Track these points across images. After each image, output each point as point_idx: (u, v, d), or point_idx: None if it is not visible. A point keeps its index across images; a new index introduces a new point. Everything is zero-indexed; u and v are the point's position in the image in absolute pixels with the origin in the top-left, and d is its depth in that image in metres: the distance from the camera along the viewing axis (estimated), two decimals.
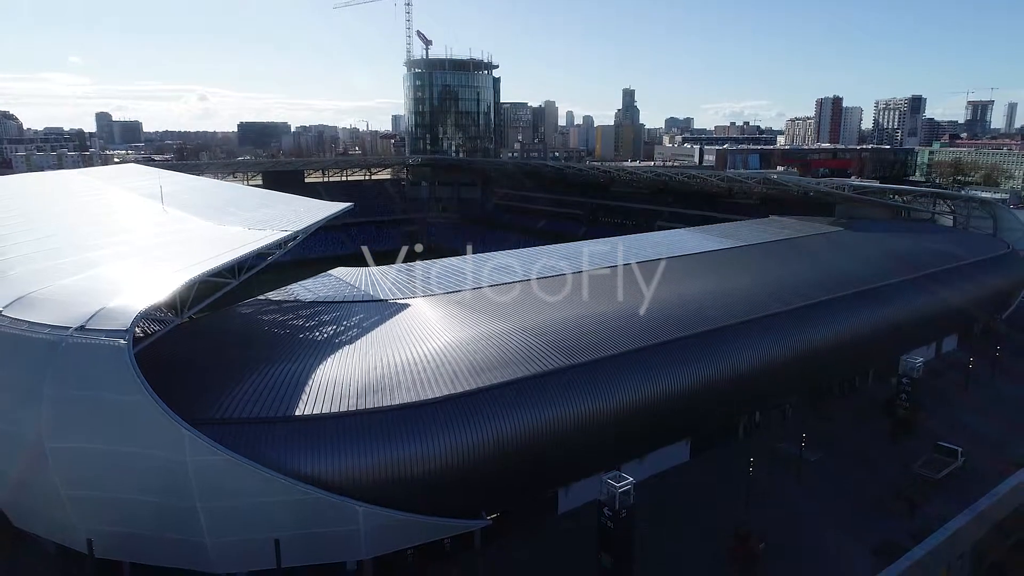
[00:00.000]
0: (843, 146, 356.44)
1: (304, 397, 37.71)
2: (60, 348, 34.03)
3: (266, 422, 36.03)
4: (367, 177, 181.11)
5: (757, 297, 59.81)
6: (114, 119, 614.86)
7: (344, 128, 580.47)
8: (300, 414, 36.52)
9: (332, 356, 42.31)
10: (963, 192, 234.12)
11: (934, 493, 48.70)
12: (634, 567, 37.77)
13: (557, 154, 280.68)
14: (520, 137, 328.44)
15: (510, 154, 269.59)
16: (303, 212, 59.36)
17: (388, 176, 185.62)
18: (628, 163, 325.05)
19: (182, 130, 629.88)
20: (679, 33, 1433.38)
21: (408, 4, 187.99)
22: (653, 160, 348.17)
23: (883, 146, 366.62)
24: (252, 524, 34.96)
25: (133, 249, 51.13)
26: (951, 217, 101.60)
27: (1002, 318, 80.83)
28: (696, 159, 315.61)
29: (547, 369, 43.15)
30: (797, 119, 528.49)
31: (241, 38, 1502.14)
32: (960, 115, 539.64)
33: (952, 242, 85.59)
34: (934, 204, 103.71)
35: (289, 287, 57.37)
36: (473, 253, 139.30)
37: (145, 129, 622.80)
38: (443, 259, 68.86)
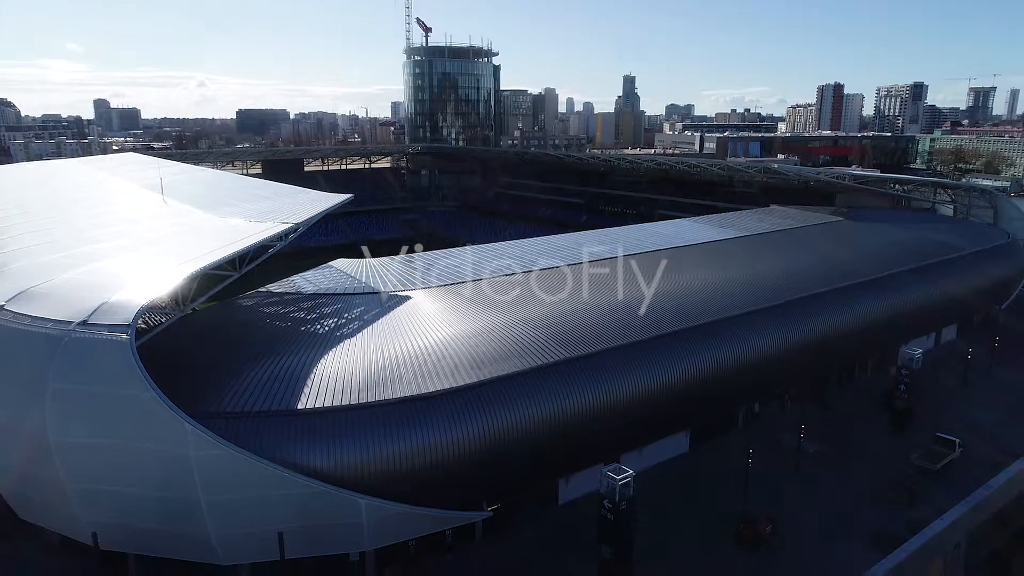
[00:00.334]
0: (844, 133, 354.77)
1: (306, 391, 37.92)
2: (63, 343, 34.21)
3: (269, 415, 36.28)
4: (367, 166, 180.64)
5: (757, 288, 59.90)
6: (112, 106, 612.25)
7: (343, 115, 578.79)
8: (303, 408, 36.75)
9: (334, 349, 42.47)
10: (964, 180, 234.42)
11: (932, 484, 49.02)
12: (634, 558, 38.14)
13: (557, 141, 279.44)
14: (520, 124, 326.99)
15: (510, 142, 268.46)
16: (304, 204, 59.31)
17: (388, 165, 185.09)
18: (628, 151, 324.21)
19: (180, 117, 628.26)
20: (680, 19, 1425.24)
21: None
22: (653, 147, 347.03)
23: (884, 134, 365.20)
24: (255, 517, 35.27)
25: (134, 242, 51.17)
26: (951, 206, 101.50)
27: (1001, 308, 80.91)
28: (696, 146, 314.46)
29: (548, 362, 43.32)
30: (798, 106, 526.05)
31: (239, 24, 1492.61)
32: (962, 101, 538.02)
33: (952, 232, 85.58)
34: (934, 193, 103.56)
35: (290, 279, 57.49)
36: (473, 242, 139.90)
37: (143, 116, 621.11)
38: (443, 250, 68.81)
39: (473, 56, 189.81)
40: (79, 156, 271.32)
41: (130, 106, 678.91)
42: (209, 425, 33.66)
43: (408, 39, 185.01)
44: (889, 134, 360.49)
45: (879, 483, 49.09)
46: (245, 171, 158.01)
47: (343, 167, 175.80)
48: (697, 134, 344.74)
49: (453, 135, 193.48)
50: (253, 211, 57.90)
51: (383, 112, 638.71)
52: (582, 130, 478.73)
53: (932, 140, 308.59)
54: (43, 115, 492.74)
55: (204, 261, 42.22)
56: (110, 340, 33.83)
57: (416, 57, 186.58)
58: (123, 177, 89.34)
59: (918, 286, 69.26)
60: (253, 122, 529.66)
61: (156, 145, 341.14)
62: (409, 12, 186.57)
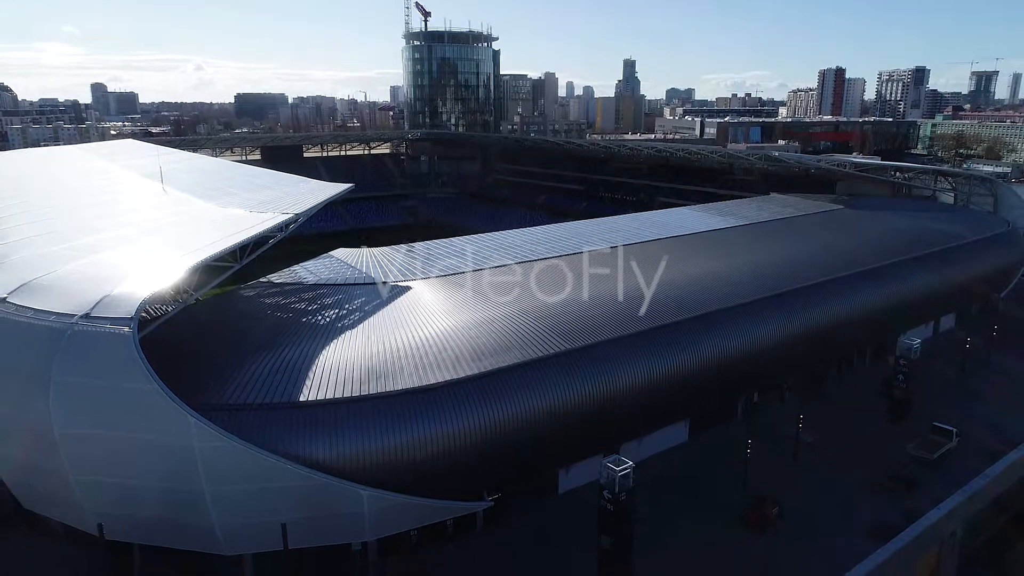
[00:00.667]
0: (845, 119, 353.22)
1: (308, 382, 38.16)
2: (66, 336, 34.36)
3: (271, 408, 36.53)
4: (366, 152, 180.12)
5: (756, 278, 60.05)
6: (109, 90, 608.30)
7: (342, 99, 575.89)
8: (305, 400, 37.01)
9: (335, 340, 42.66)
10: (965, 166, 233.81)
11: (929, 473, 49.39)
12: (633, 548, 38.58)
13: (556, 127, 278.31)
14: (520, 109, 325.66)
15: (510, 127, 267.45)
16: (304, 194, 59.34)
17: (387, 151, 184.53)
18: (628, 136, 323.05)
19: (178, 101, 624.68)
20: (680, 1, 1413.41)
21: None
22: (654, 133, 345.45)
23: (885, 119, 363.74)
24: (258, 508, 35.60)
25: (135, 232, 51.19)
26: (952, 194, 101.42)
27: (1000, 296, 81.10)
28: (697, 132, 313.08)
29: (548, 353, 43.55)
30: (799, 90, 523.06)
31: (237, 7, 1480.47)
32: (964, 86, 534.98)
33: (952, 220, 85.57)
34: (935, 181, 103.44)
35: (291, 268, 57.62)
36: (473, 229, 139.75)
37: (141, 100, 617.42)
38: (443, 240, 68.85)
39: (472, 41, 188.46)
40: (77, 141, 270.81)
41: (127, 90, 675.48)
42: (212, 417, 33.90)
43: (407, 24, 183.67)
44: (890, 119, 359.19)
45: (877, 473, 49.43)
46: (244, 157, 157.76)
47: (342, 153, 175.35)
48: (697, 119, 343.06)
49: (453, 120, 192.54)
50: (253, 201, 57.93)
51: (382, 96, 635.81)
52: (582, 115, 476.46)
53: (934, 125, 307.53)
54: (40, 99, 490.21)
55: (205, 253, 42.35)
56: (113, 333, 34.00)
57: (415, 42, 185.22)
58: (122, 165, 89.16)
59: (918, 275, 69.41)
60: (251, 106, 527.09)
61: (154, 130, 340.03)
62: None
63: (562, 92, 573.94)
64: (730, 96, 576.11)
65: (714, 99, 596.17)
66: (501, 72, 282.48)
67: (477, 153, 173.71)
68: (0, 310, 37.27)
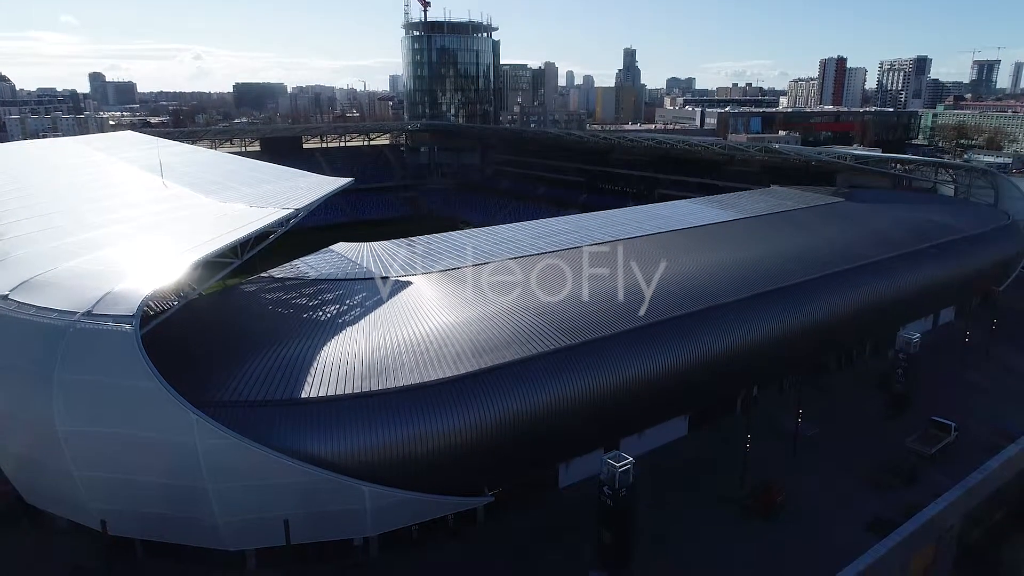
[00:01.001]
0: (846, 109, 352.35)
1: (310, 379, 38.32)
2: (68, 333, 34.54)
3: (273, 404, 36.74)
4: (366, 143, 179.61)
5: (756, 273, 60.14)
6: (107, 80, 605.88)
7: (341, 89, 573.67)
8: (306, 396, 37.21)
9: (337, 336, 42.79)
10: (965, 156, 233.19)
11: (928, 467, 49.60)
12: (633, 542, 38.88)
13: (556, 117, 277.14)
14: (520, 100, 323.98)
15: (510, 117, 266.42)
16: (304, 188, 59.30)
17: (387, 142, 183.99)
18: (629, 126, 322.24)
19: (177, 90, 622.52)
20: None
21: None
22: (654, 123, 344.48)
23: (886, 109, 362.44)
24: (261, 504, 35.90)
25: (136, 228, 51.22)
26: (952, 186, 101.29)
27: (1000, 290, 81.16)
28: (697, 122, 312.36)
29: (548, 349, 43.74)
30: (800, 80, 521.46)
31: None
32: (965, 75, 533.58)
33: (952, 213, 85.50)
34: (935, 173, 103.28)
35: (292, 263, 57.64)
36: (472, 221, 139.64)
37: (139, 90, 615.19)
38: (444, 234, 68.88)
39: (472, 31, 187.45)
40: (76, 131, 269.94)
41: (126, 79, 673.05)
42: (214, 414, 34.14)
43: (407, 13, 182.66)
44: (891, 109, 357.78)
45: (876, 466, 49.67)
46: (243, 148, 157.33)
47: (342, 144, 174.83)
48: (698, 109, 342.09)
49: (452, 111, 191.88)
50: (253, 195, 57.92)
51: (381, 85, 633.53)
52: (582, 105, 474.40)
53: (934, 115, 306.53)
54: (38, 89, 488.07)
55: (206, 249, 42.42)
56: (115, 331, 34.17)
57: (415, 32, 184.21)
58: (122, 158, 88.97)
59: (917, 269, 69.49)
60: (250, 96, 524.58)
61: (153, 120, 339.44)
62: None
63: (562, 82, 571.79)
64: (731, 86, 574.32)
65: (715, 88, 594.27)
66: (501, 62, 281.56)
67: (477, 144, 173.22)
68: (2, 307, 37.43)
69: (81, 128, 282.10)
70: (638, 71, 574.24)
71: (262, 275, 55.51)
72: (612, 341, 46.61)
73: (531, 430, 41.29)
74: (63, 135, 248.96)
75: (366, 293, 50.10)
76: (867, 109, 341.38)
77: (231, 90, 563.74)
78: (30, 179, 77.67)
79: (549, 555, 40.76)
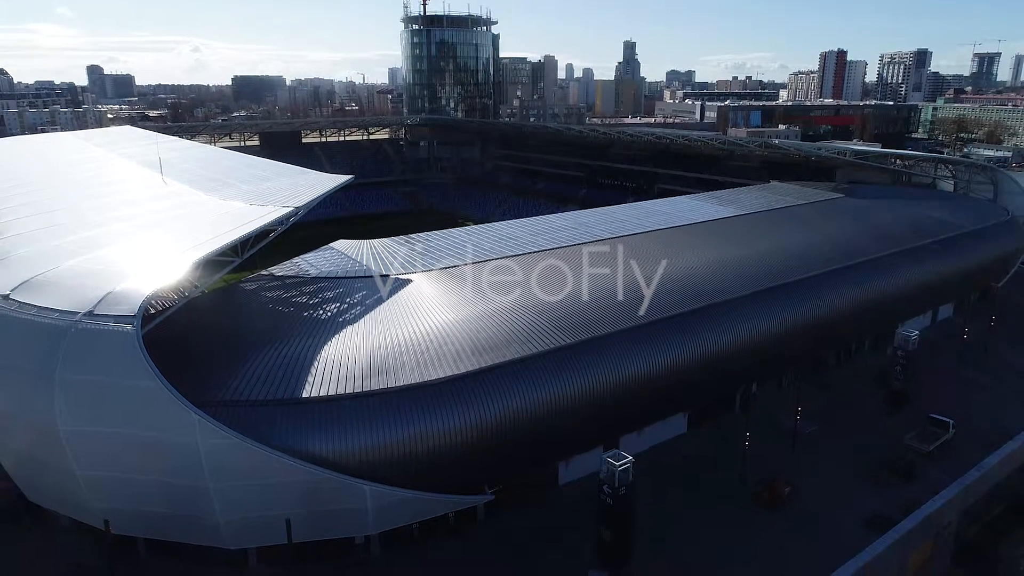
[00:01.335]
0: (846, 102, 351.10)
1: (311, 378, 38.43)
2: (70, 334, 34.61)
3: (274, 404, 36.86)
4: (365, 137, 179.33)
5: (756, 270, 60.24)
6: (105, 72, 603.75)
7: (340, 82, 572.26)
8: (307, 396, 37.32)
9: (337, 335, 42.89)
10: (965, 150, 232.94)
11: (925, 465, 49.82)
12: (632, 540, 39.14)
13: (556, 110, 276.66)
14: (519, 93, 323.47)
15: (509, 111, 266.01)
16: (303, 186, 59.34)
17: (386, 136, 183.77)
18: (628, 120, 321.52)
19: (175, 83, 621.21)
20: None
21: None
22: (653, 117, 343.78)
23: (886, 102, 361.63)
24: (262, 503, 36.09)
25: (136, 226, 51.26)
26: (952, 182, 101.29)
27: (999, 285, 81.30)
28: (697, 116, 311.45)
29: (549, 348, 43.85)
30: (800, 73, 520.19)
31: None
32: (966, 68, 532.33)
33: (951, 209, 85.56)
34: (935, 169, 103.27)
35: (292, 260, 57.68)
36: (472, 216, 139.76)
37: (138, 82, 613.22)
38: (444, 231, 68.81)
39: (472, 25, 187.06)
40: (74, 125, 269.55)
41: (124, 72, 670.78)
42: (216, 413, 34.27)
43: (406, 7, 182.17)
44: (891, 103, 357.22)
45: (874, 464, 49.89)
46: (242, 143, 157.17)
47: (341, 139, 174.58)
48: (698, 103, 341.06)
49: (452, 105, 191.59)
50: (253, 193, 57.96)
51: (380, 78, 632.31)
52: (581, 98, 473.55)
53: (935, 109, 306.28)
54: (36, 82, 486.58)
55: (207, 248, 42.46)
56: (116, 331, 34.24)
57: (414, 26, 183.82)
58: (121, 154, 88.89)
59: (917, 266, 69.60)
60: (249, 89, 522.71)
61: (152, 114, 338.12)
62: None
63: (562, 75, 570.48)
64: (731, 79, 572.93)
65: (715, 81, 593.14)
66: (500, 55, 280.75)
67: (476, 139, 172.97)
68: (3, 307, 37.49)
69: (79, 122, 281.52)
70: (638, 64, 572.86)
71: (262, 273, 55.59)
72: (612, 339, 46.73)
73: (531, 429, 41.46)
74: (61, 129, 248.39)
75: (366, 291, 50.18)
76: (867, 103, 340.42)
77: (229, 83, 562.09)
78: (30, 175, 77.64)
79: (549, 553, 40.99)
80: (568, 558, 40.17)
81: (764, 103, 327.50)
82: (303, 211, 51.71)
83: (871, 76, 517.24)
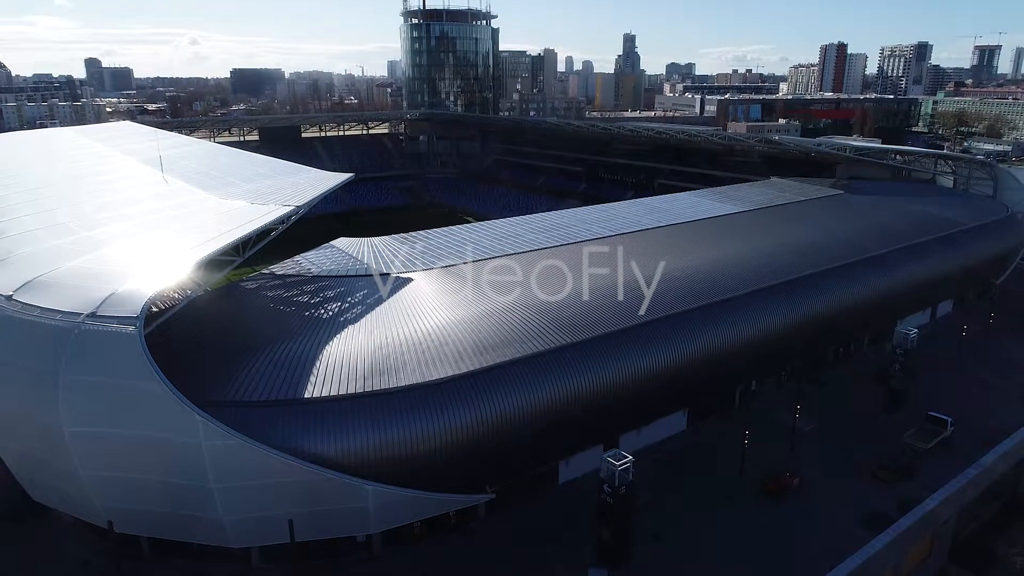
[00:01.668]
0: (846, 96, 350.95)
1: (313, 379, 38.61)
2: (73, 335, 34.78)
3: (277, 404, 37.02)
4: (364, 132, 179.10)
5: (755, 268, 60.30)
6: (104, 65, 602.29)
7: (339, 74, 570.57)
8: (310, 396, 37.49)
9: (339, 335, 43.07)
10: (966, 144, 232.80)
11: (924, 462, 50.09)
12: (632, 539, 39.49)
13: (556, 104, 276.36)
14: (519, 87, 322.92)
15: (509, 104, 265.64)
16: (304, 184, 59.45)
17: (386, 131, 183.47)
18: (628, 113, 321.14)
19: (174, 76, 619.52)
20: None
21: None
22: (653, 110, 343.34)
23: (886, 96, 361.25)
24: (265, 503, 36.34)
25: (137, 225, 51.36)
26: (951, 177, 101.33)
27: (998, 282, 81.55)
28: (697, 109, 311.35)
29: (549, 347, 43.99)
30: (800, 66, 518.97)
31: None
32: (966, 60, 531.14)
33: (951, 206, 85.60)
34: (935, 165, 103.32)
35: (294, 259, 57.84)
36: (472, 210, 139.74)
37: (136, 75, 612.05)
38: (444, 228, 68.85)
39: (471, 19, 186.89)
40: (73, 119, 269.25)
41: (122, 65, 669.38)
42: (218, 414, 34.46)
43: (405, 1, 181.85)
44: (891, 96, 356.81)
45: (873, 462, 50.17)
46: (241, 138, 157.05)
47: (341, 133, 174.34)
48: (698, 96, 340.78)
49: (452, 99, 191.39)
50: (254, 191, 58.08)
51: (379, 71, 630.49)
52: (581, 91, 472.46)
53: (935, 103, 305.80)
54: (34, 75, 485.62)
55: (209, 248, 42.68)
56: (119, 333, 34.43)
57: (413, 20, 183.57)
58: (122, 150, 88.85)
59: (917, 263, 69.68)
60: (248, 82, 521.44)
61: (151, 107, 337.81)
62: None
63: (561, 67, 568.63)
64: (731, 72, 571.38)
65: (715, 74, 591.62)
66: (500, 48, 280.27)
67: (476, 133, 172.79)
68: (6, 308, 37.65)
69: (78, 116, 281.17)
70: (638, 57, 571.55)
71: (264, 271, 55.76)
72: (612, 338, 46.86)
73: (532, 428, 41.68)
74: (60, 123, 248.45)
75: (367, 290, 50.34)
76: (867, 96, 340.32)
77: (228, 75, 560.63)
78: (31, 172, 77.64)
79: (549, 551, 41.31)
80: (568, 556, 40.50)
81: (764, 97, 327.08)
82: (304, 210, 51.84)
83: (871, 69, 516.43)
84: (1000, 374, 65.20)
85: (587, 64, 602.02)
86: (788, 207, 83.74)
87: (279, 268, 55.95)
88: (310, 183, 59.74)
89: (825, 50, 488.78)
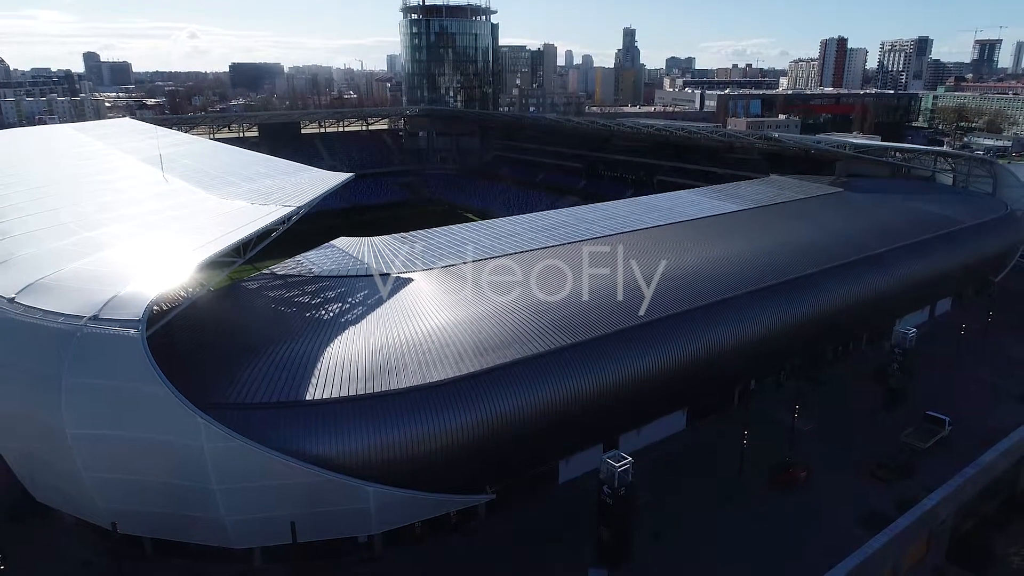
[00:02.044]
0: (846, 91, 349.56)
1: (314, 381, 38.79)
2: (75, 338, 34.95)
3: (279, 406, 37.20)
4: (364, 128, 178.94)
5: (755, 267, 60.46)
6: (102, 59, 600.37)
7: (338, 68, 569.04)
8: (311, 398, 37.69)
9: (339, 336, 43.23)
10: (966, 139, 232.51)
11: (922, 462, 50.36)
12: (631, 540, 39.75)
13: (555, 100, 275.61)
14: (519, 82, 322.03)
15: (508, 99, 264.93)
16: (304, 184, 59.52)
17: (385, 127, 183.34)
18: (628, 108, 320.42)
19: (172, 70, 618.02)
20: None
21: None
22: (653, 105, 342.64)
23: (886, 91, 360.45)
24: (267, 504, 36.60)
25: (138, 226, 51.44)
26: (951, 175, 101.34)
27: (996, 280, 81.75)
28: (697, 104, 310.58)
29: (550, 348, 44.17)
30: (800, 60, 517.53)
31: None
32: (967, 54, 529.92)
33: (950, 204, 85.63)
34: (935, 162, 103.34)
35: (294, 259, 58.00)
36: (471, 207, 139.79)
37: (134, 69, 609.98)
38: (444, 228, 68.93)
39: (471, 14, 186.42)
40: (72, 114, 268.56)
41: (120, 59, 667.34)
42: (220, 416, 34.66)
43: None
44: (892, 91, 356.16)
45: (871, 461, 50.41)
46: (241, 134, 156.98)
47: (340, 129, 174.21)
48: (697, 91, 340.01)
49: (451, 94, 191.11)
50: (255, 192, 58.17)
51: (379, 64, 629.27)
52: (581, 86, 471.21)
53: (935, 98, 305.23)
54: (33, 69, 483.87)
55: (211, 250, 42.78)
56: (122, 336, 34.60)
57: (413, 16, 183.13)
58: (122, 148, 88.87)
59: (916, 262, 69.81)
60: (246, 76, 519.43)
61: (150, 102, 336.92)
62: None
63: (561, 61, 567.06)
64: (731, 66, 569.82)
65: (715, 68, 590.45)
66: (500, 43, 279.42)
67: (476, 129, 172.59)
68: (9, 311, 37.81)
69: (77, 111, 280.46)
70: (637, 51, 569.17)
71: (264, 272, 55.89)
72: (613, 339, 47.04)
73: (533, 429, 41.90)
74: (59, 118, 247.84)
75: (368, 291, 50.48)
76: (867, 91, 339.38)
77: (227, 70, 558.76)
78: (32, 170, 77.62)
79: (549, 550, 41.60)
80: (568, 556, 40.79)
81: (764, 92, 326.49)
82: (304, 210, 51.93)
83: (872, 64, 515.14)
84: (999, 372, 65.43)
85: (587, 58, 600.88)
86: (788, 205, 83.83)
87: (280, 268, 56.11)
88: (310, 183, 59.82)
89: (825, 44, 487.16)
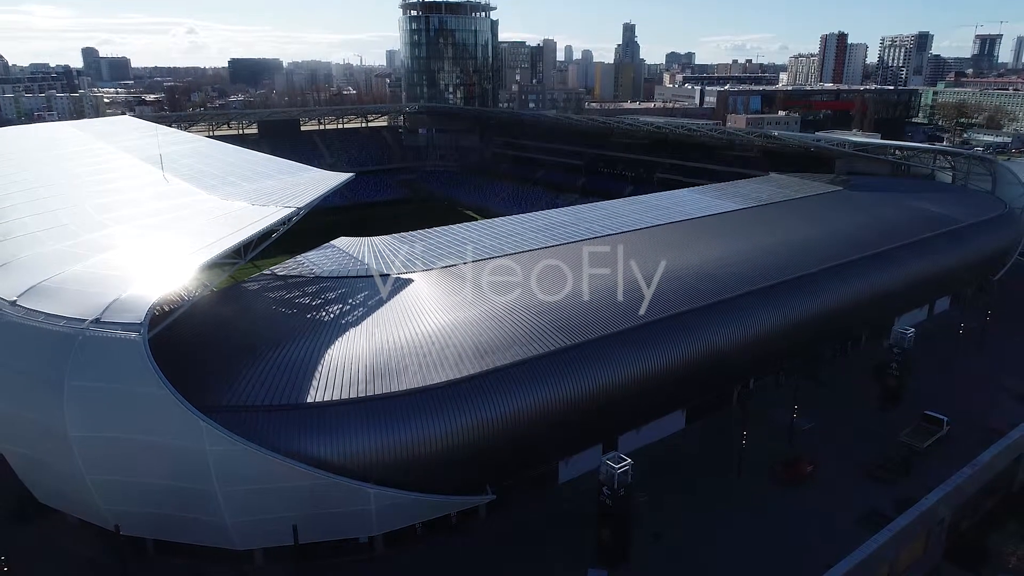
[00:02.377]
0: (846, 87, 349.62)
1: (315, 383, 38.96)
2: (77, 341, 35.11)
3: (280, 408, 37.38)
4: (363, 125, 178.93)
5: (755, 267, 60.59)
6: (101, 55, 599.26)
7: (337, 64, 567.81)
8: (312, 400, 37.86)
9: (341, 338, 43.38)
10: (966, 135, 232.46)
11: (920, 461, 50.58)
12: (631, 541, 39.99)
13: (555, 96, 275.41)
14: (518, 77, 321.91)
15: (508, 95, 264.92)
16: (304, 184, 59.57)
17: (385, 123, 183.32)
18: (627, 104, 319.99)
19: (171, 66, 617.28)
20: None
21: None
22: (653, 101, 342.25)
23: (886, 87, 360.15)
24: (269, 506, 36.81)
25: (139, 228, 51.54)
26: (950, 173, 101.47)
27: (995, 279, 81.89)
28: (697, 100, 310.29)
29: (550, 349, 44.31)
30: (801, 56, 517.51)
31: None
32: (967, 49, 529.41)
33: (949, 203, 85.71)
34: (934, 160, 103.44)
35: (294, 259, 58.13)
36: (471, 204, 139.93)
37: (133, 65, 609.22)
38: (444, 227, 69.05)
39: (470, 11, 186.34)
40: (71, 110, 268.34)
41: (119, 55, 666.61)
42: (222, 419, 34.84)
43: None
44: (891, 87, 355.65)
45: (870, 460, 50.66)
46: (240, 131, 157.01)
47: (339, 126, 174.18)
48: (697, 87, 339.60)
49: (451, 90, 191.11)
50: (255, 192, 58.26)
51: (378, 60, 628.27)
52: (580, 81, 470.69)
53: (935, 94, 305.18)
54: (31, 65, 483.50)
55: (211, 252, 42.91)
56: (123, 339, 34.77)
57: (412, 12, 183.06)
58: (121, 147, 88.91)
59: (915, 260, 69.93)
60: (245, 72, 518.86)
61: (149, 98, 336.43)
62: None
63: (560, 56, 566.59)
64: (731, 62, 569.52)
65: (715, 64, 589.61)
66: (500, 38, 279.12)
67: (475, 126, 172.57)
68: (11, 314, 37.96)
69: (76, 107, 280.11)
70: (637, 46, 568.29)
71: (264, 272, 56.03)
72: (613, 339, 47.16)
73: (533, 430, 42.10)
74: (58, 115, 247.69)
75: (368, 291, 50.62)
76: (867, 87, 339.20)
77: (226, 65, 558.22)
78: (32, 169, 77.65)
79: (549, 550, 41.83)
80: (568, 555, 41.00)
81: (764, 88, 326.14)
82: (305, 211, 52.04)
83: (872, 59, 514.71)
84: (998, 370, 65.56)
85: (586, 54, 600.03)
86: (787, 203, 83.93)
87: (281, 268, 56.26)
88: (311, 183, 59.86)
89: (825, 40, 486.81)
